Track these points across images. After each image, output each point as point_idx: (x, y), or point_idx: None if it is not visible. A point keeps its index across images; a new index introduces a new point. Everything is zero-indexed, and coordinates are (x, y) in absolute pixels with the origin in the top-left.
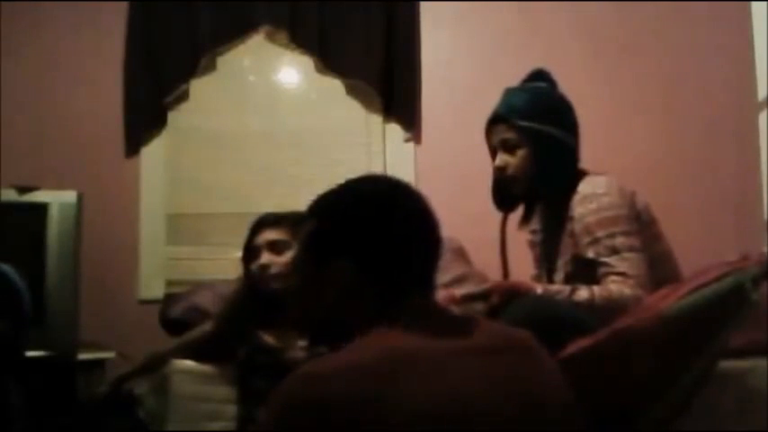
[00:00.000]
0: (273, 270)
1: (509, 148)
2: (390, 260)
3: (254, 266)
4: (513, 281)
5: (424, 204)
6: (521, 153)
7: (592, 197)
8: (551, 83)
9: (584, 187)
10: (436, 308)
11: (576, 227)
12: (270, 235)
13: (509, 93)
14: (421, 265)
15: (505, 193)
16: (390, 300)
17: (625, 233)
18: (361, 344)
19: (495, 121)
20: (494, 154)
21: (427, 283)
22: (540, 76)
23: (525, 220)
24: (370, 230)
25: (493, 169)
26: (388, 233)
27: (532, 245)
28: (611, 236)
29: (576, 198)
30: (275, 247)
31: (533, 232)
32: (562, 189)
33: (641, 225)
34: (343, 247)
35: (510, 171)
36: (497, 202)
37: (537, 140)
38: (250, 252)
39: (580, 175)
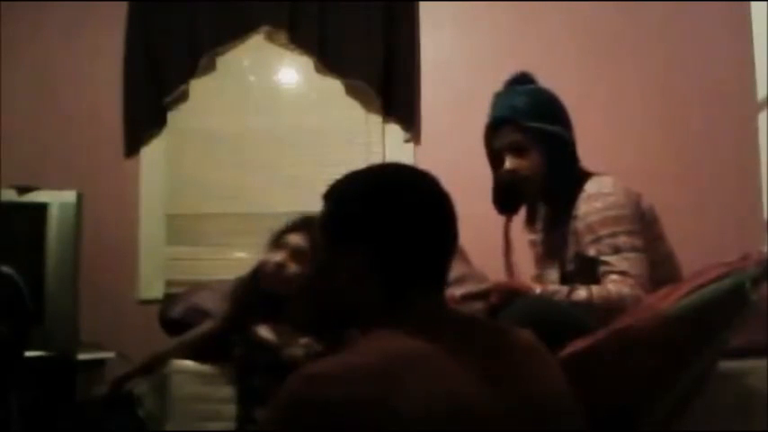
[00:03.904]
0: (287, 272)
1: (519, 150)
2: (405, 254)
3: (271, 260)
4: (512, 280)
5: (446, 200)
6: (532, 154)
7: (597, 196)
8: (536, 84)
9: (590, 186)
10: (442, 308)
11: (579, 225)
12: (299, 240)
13: (507, 95)
14: (435, 263)
15: (515, 195)
16: (399, 294)
17: (628, 233)
18: (364, 345)
19: (498, 124)
20: (493, 158)
21: (438, 282)
22: (525, 78)
23: (531, 221)
24: (388, 221)
25: (497, 173)
26: (406, 226)
27: (533, 244)
28: (614, 235)
29: (582, 196)
30: (298, 254)
31: (534, 232)
32: (572, 188)
33: (645, 226)
34: (360, 235)
35: (523, 173)
36: (501, 205)
37: (547, 141)
38: (275, 245)
39: (586, 174)
